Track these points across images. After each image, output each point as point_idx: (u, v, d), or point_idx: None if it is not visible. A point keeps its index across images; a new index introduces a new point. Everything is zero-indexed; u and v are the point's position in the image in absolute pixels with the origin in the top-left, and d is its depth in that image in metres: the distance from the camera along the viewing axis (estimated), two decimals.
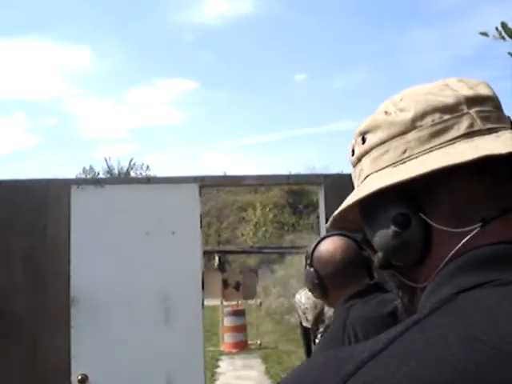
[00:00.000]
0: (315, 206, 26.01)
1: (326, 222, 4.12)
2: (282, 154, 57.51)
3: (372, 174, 0.87)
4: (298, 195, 27.41)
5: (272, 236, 26.01)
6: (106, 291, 3.94)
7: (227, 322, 12.69)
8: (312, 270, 2.19)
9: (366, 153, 0.89)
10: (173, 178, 4.10)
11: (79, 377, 3.86)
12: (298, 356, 11.35)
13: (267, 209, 27.65)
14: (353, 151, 0.95)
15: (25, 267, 3.99)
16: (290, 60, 60.03)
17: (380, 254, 0.84)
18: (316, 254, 2.22)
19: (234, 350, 12.10)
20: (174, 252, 4.01)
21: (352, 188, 3.69)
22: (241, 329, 12.82)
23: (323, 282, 2.17)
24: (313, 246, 2.27)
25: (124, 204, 4.01)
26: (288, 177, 4.20)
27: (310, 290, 2.27)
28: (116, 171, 31.68)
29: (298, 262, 20.74)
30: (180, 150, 59.10)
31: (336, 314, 2.18)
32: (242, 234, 27.91)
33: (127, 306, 3.95)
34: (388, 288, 2.26)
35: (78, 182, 4.01)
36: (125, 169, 32.61)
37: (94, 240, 3.97)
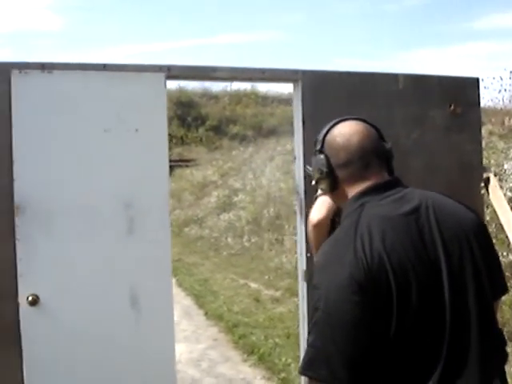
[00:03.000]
0: (204, 119, 25.51)
1: (303, 123, 3.72)
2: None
3: None
4: (186, 107, 26.63)
5: None
6: (58, 198, 3.35)
7: None
8: (322, 156, 1.87)
9: None
10: (134, 66, 3.49)
11: (29, 298, 3.29)
12: (206, 268, 11.17)
13: None
14: None
15: None
16: None
17: None
18: (329, 137, 1.89)
19: None
20: (138, 152, 3.45)
21: (333, 87, 3.16)
22: None
23: (333, 172, 1.85)
24: (325, 129, 1.92)
25: (77, 94, 3.36)
26: (263, 71, 3.70)
27: (316, 182, 1.93)
28: None
29: (188, 175, 20.41)
30: (59, 56, 55.78)
31: (345, 212, 1.84)
32: None
33: (84, 214, 3.38)
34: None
35: (20, 65, 3.29)
36: None
37: (41, 137, 3.32)
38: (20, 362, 3.29)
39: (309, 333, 1.70)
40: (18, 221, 3.28)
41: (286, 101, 24.83)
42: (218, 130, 26.29)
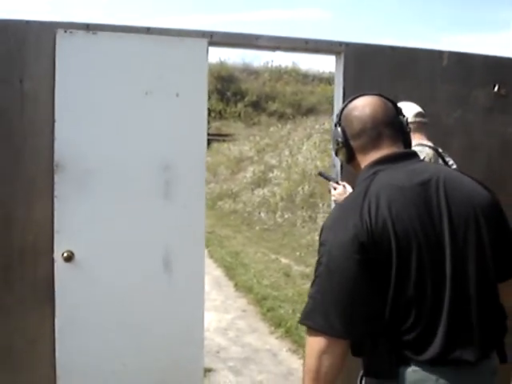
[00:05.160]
0: (243, 95, 25.35)
1: (344, 96, 3.69)
2: None
3: None
4: (226, 81, 26.58)
5: None
6: (96, 157, 3.39)
7: None
8: (339, 128, 1.99)
9: None
10: (178, 31, 3.49)
11: (64, 254, 3.35)
12: (238, 241, 11.23)
13: None
14: None
15: None
16: None
17: None
18: (345, 111, 2.00)
19: None
20: (178, 116, 3.47)
21: (375, 61, 3.38)
22: None
23: (349, 143, 1.96)
24: (343, 105, 2.04)
25: (120, 56, 3.38)
26: (306, 41, 3.67)
27: (335, 153, 2.06)
28: None
29: (225, 150, 20.46)
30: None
31: (358, 180, 1.93)
32: None
33: (122, 174, 3.42)
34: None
35: (65, 25, 3.33)
36: None
37: (83, 97, 3.36)
38: (52, 317, 3.37)
39: (311, 286, 1.80)
40: (56, 178, 3.34)
41: (327, 79, 24.66)
42: (257, 105, 26.19)
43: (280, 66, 27.94)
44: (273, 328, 5.98)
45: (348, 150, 1.96)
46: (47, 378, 3.39)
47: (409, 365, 1.73)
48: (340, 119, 2.00)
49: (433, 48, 3.97)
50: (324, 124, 15.24)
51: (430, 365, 1.71)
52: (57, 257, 3.36)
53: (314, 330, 1.73)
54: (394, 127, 1.94)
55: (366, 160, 1.92)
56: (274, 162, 15.77)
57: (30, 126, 3.36)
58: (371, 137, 1.91)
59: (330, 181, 3.50)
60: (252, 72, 27.91)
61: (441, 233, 1.73)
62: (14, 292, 3.38)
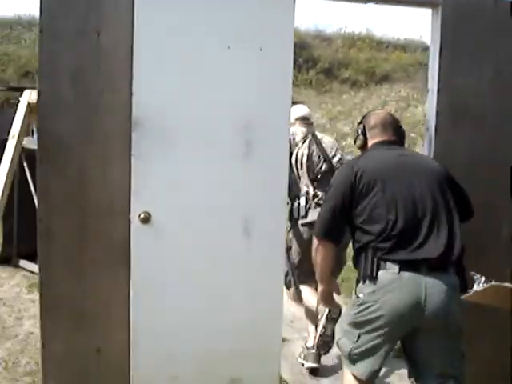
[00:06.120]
0: (315, 62, 24.74)
1: (440, 55, 3.40)
2: None
3: None
4: (298, 48, 26.02)
5: None
6: (176, 114, 3.22)
7: None
8: (361, 125, 3.08)
9: None
10: None
11: (141, 215, 3.22)
12: None
13: None
14: None
15: (74, 81, 3.22)
16: None
17: None
18: (366, 116, 3.13)
19: None
20: (261, 71, 3.26)
21: (476, 15, 2.71)
22: None
23: (365, 133, 3.04)
24: (364, 116, 3.19)
25: (201, 7, 3.19)
26: None
27: (355, 141, 3.14)
28: None
29: None
30: None
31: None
32: None
33: (201, 133, 3.24)
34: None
35: None
36: None
37: (163, 51, 3.18)
38: (127, 280, 3.26)
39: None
40: (134, 136, 3.19)
41: (402, 46, 23.88)
42: (329, 73, 25.57)
43: (353, 32, 27.21)
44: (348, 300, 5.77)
45: (364, 138, 3.05)
46: (121, 342, 3.30)
47: (384, 268, 2.61)
48: (362, 120, 3.11)
49: None
50: (400, 91, 14.73)
51: (400, 267, 2.57)
52: (133, 218, 3.23)
53: (316, 235, 2.92)
54: (396, 130, 3.04)
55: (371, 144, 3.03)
56: (346, 129, 15.39)
57: (107, 81, 3.21)
58: (380, 129, 3.00)
59: None
60: (325, 39, 27.28)
61: (412, 182, 2.74)
62: (88, 254, 3.27)
